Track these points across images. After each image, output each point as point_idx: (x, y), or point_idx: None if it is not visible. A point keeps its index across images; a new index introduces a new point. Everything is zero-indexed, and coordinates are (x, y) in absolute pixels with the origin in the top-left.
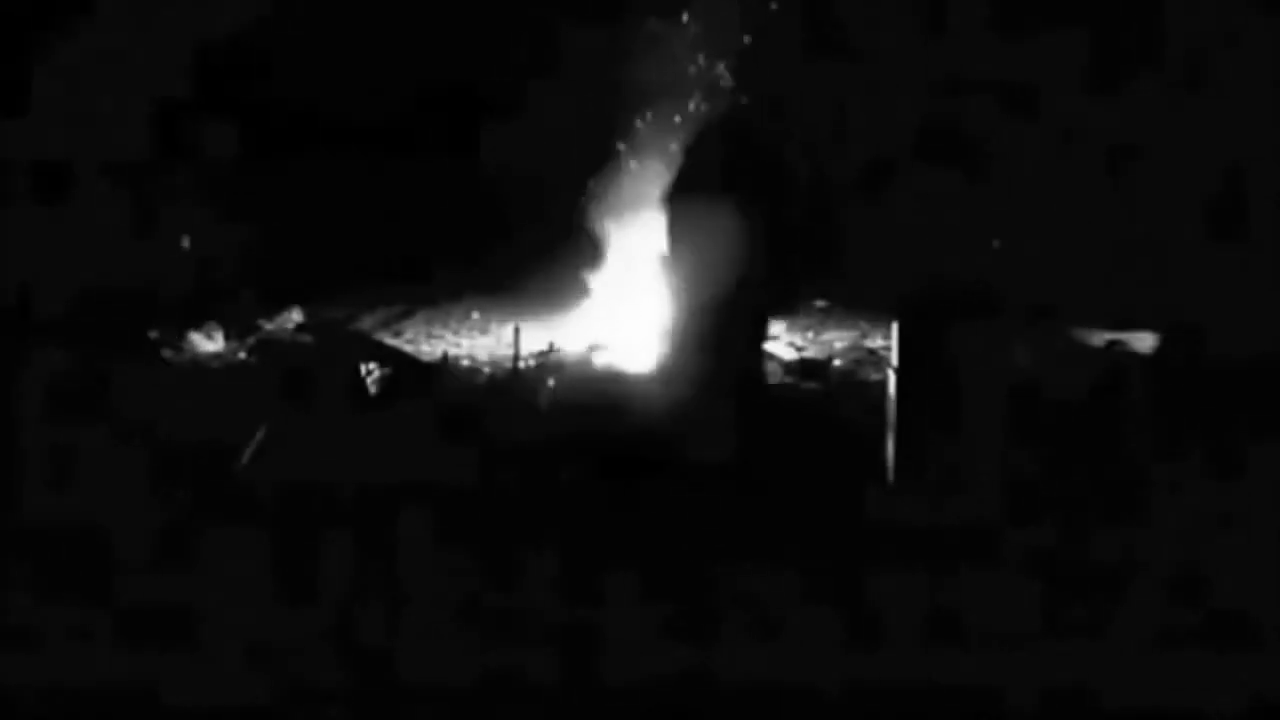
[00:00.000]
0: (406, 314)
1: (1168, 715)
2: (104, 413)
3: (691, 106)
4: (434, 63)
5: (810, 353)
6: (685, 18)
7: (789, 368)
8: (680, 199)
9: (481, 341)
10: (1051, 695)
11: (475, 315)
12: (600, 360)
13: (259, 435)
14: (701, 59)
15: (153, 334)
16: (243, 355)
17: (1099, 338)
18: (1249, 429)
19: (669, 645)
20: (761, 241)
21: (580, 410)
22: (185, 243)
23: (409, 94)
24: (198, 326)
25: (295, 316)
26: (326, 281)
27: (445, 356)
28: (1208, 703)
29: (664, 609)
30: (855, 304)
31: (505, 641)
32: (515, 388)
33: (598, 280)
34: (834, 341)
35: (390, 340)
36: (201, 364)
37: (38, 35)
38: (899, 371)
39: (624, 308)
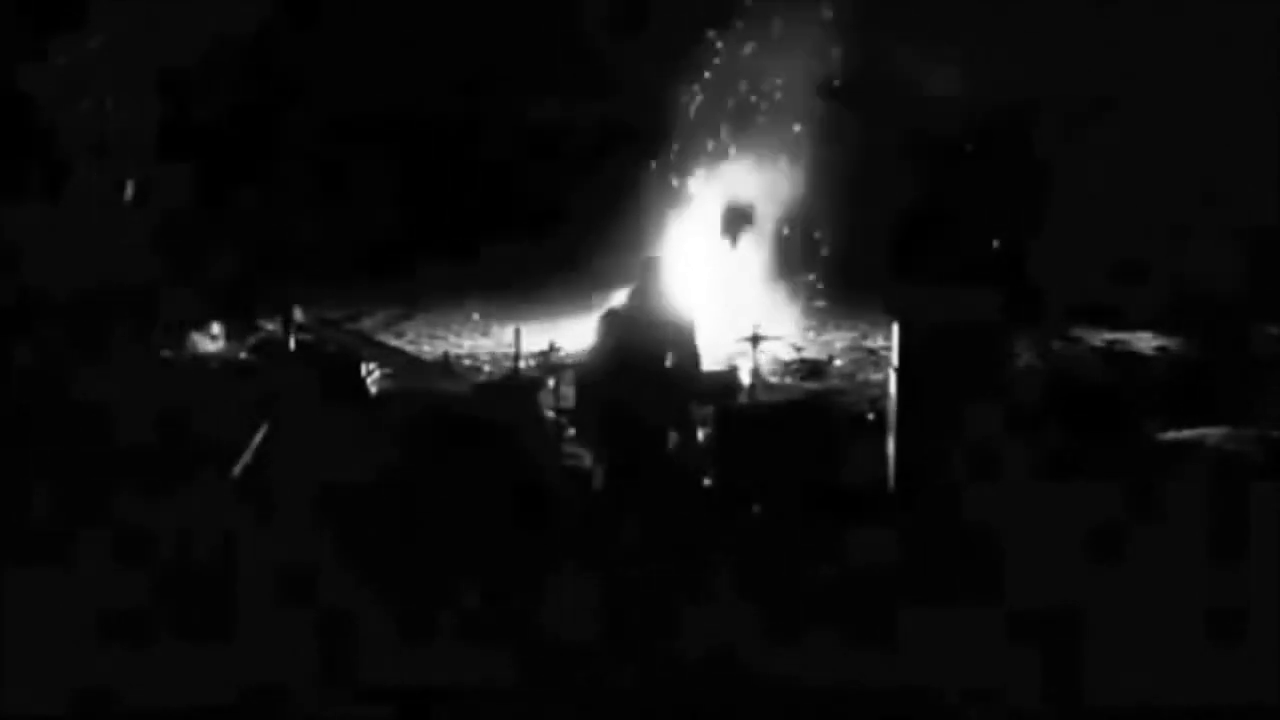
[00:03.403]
0: (406, 314)
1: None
2: (102, 413)
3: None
4: (444, 59)
5: (810, 353)
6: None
7: (789, 367)
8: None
9: (482, 342)
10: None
11: (475, 316)
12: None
13: (258, 435)
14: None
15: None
16: (243, 355)
17: (1099, 338)
18: None
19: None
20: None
21: None
22: None
23: (420, 90)
24: (198, 326)
25: (295, 316)
26: (327, 281)
27: (446, 356)
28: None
29: None
30: (855, 304)
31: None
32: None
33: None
34: (834, 341)
35: (391, 340)
36: (201, 364)
37: (40, 38)
38: (899, 371)
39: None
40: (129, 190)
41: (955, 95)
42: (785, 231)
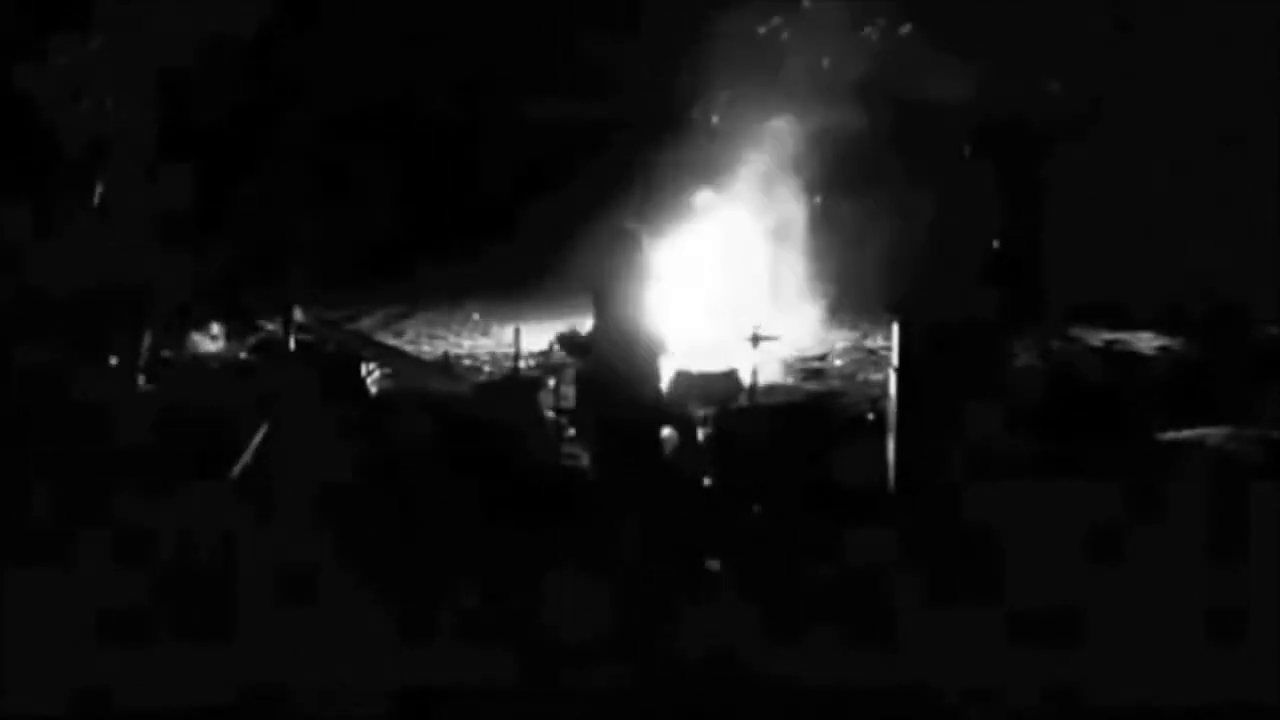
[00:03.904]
0: (406, 314)
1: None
2: (102, 413)
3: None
4: (444, 59)
5: (810, 353)
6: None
7: (789, 367)
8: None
9: (482, 342)
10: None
11: (475, 316)
12: None
13: (259, 435)
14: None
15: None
16: (243, 355)
17: (1099, 338)
18: None
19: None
20: None
21: None
22: None
23: (420, 90)
24: (199, 327)
25: (295, 316)
26: (327, 281)
27: (446, 356)
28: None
29: None
30: (855, 304)
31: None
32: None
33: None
34: (834, 341)
35: (391, 340)
36: (201, 364)
37: (40, 38)
38: (899, 371)
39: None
40: (97, 196)
41: (955, 96)
42: (789, 232)
